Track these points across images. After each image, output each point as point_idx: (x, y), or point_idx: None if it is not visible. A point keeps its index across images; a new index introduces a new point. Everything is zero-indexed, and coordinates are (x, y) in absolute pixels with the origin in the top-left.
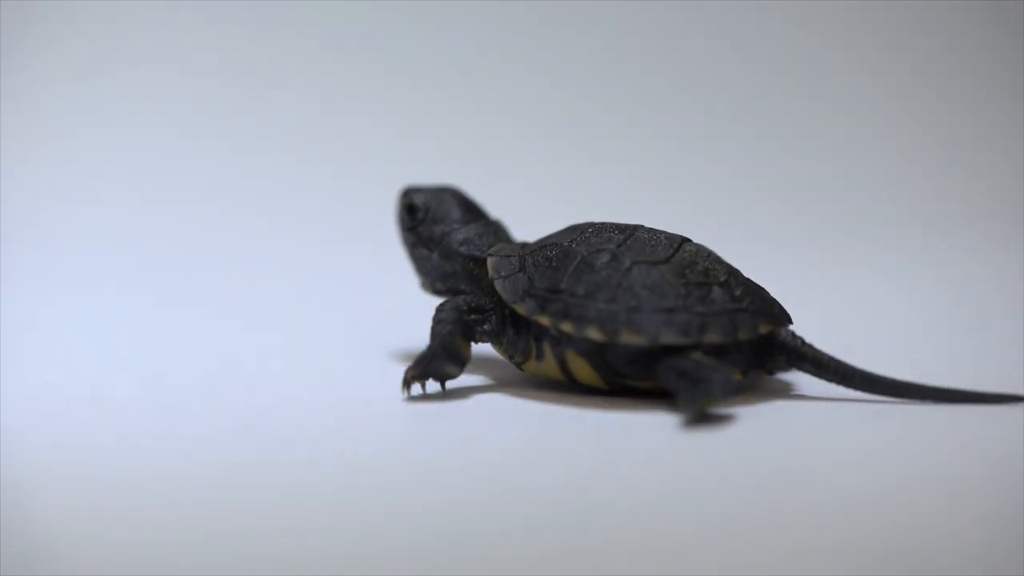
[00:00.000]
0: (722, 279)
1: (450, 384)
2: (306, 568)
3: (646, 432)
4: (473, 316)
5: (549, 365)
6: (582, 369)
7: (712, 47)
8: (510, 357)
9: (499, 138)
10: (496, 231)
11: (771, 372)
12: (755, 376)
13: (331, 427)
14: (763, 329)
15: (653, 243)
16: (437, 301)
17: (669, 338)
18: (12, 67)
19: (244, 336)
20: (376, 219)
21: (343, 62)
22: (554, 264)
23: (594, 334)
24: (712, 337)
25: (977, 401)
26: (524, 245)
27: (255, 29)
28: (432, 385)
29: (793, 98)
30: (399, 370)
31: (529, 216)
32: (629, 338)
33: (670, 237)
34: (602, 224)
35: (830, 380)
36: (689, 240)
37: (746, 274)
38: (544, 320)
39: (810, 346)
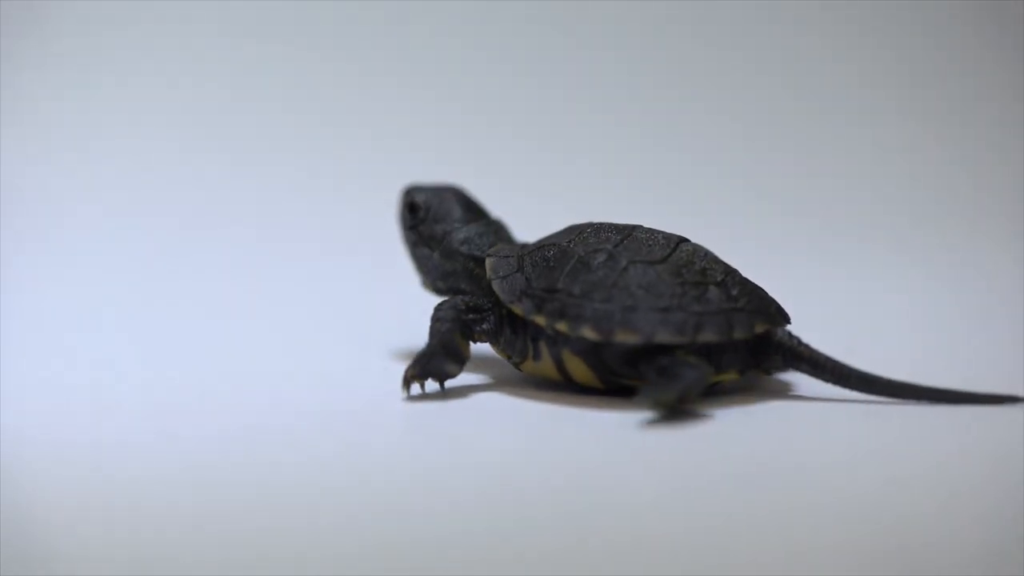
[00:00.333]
0: (719, 279)
1: (449, 384)
2: (306, 567)
3: (644, 432)
4: (471, 316)
5: (546, 365)
6: (578, 369)
7: (713, 48)
8: (508, 357)
9: (501, 138)
10: (497, 231)
11: (768, 372)
12: (752, 376)
13: (331, 427)
14: (759, 329)
15: (650, 243)
16: (437, 300)
17: (664, 337)
18: (12, 66)
19: (244, 335)
20: (377, 218)
21: (345, 60)
22: (551, 264)
23: (589, 333)
24: (707, 336)
25: (973, 402)
26: (524, 245)
27: (259, 26)
28: (431, 385)
29: (794, 99)
30: (399, 369)
31: (531, 216)
32: (624, 337)
33: (668, 237)
34: (601, 224)
35: (827, 380)
36: (687, 240)
37: (745, 274)
38: (540, 320)
39: (807, 346)
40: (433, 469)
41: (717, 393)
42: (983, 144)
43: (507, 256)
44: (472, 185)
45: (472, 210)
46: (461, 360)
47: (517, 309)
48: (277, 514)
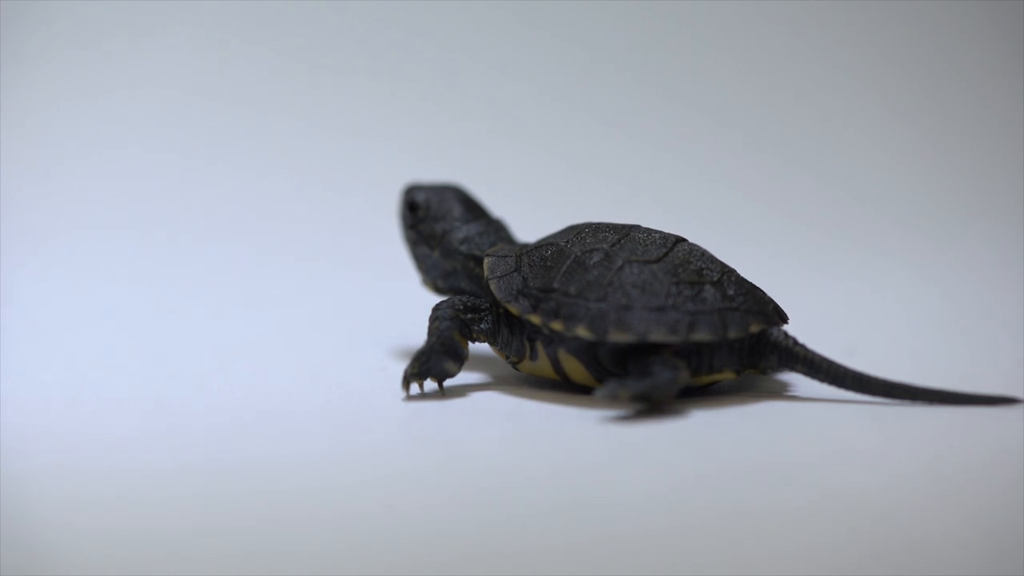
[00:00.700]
0: (715, 278)
1: (447, 383)
2: (305, 565)
3: (641, 431)
4: (470, 315)
5: (543, 364)
6: (575, 368)
7: (713, 49)
8: (505, 357)
9: (503, 137)
10: (498, 230)
11: (764, 372)
12: (749, 376)
13: (330, 426)
14: (754, 328)
15: (647, 243)
16: (436, 299)
17: (658, 336)
18: (12, 65)
19: (243, 334)
20: (377, 217)
21: (347, 58)
22: (548, 264)
23: (584, 333)
24: (701, 335)
25: (969, 402)
26: (524, 245)
27: (263, 25)
28: (429, 384)
29: (794, 101)
30: (397, 368)
31: (534, 215)
32: (618, 336)
33: (665, 237)
34: (599, 224)
35: (822, 381)
36: (684, 240)
37: (745, 275)
38: (535, 319)
39: (803, 346)
40: (432, 468)
41: (714, 392)
42: (981, 145)
43: (505, 256)
44: (473, 184)
45: (472, 209)
46: (460, 359)
47: (513, 308)
48: (277, 513)
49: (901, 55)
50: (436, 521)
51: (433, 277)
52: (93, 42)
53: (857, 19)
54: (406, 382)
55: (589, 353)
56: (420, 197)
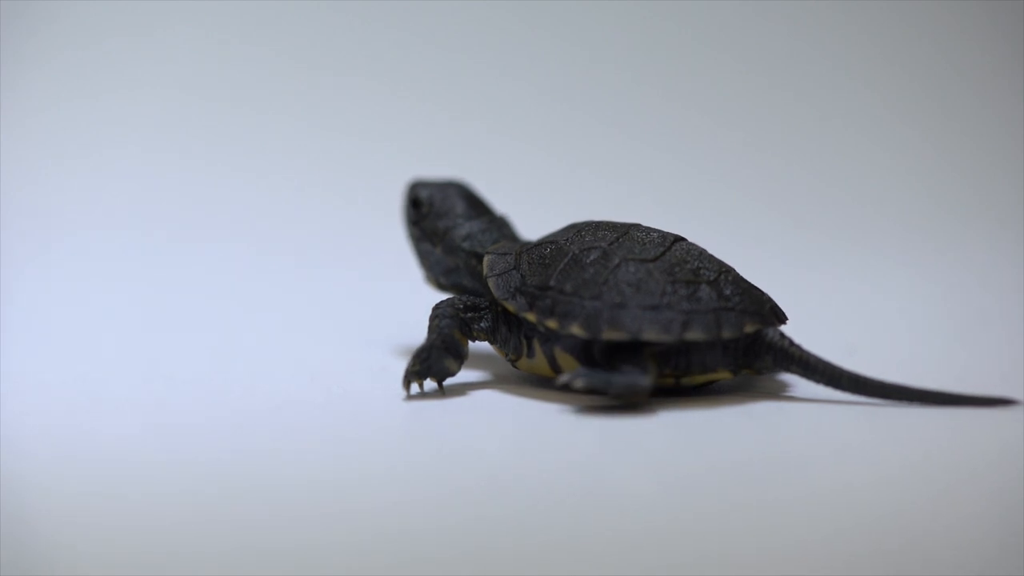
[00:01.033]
0: (711, 278)
1: (447, 382)
2: (305, 562)
3: (639, 429)
4: (470, 314)
5: (540, 362)
6: (571, 366)
7: (713, 49)
8: (505, 355)
9: (508, 134)
10: (500, 227)
11: (759, 372)
12: (746, 375)
13: (330, 424)
14: (749, 328)
15: (645, 241)
16: (437, 295)
17: (651, 335)
18: (12, 65)
19: (242, 333)
20: (379, 215)
21: (348, 57)
22: (546, 261)
23: (577, 331)
24: (694, 335)
25: (964, 403)
26: (524, 243)
27: (263, 25)
28: (429, 384)
29: (795, 102)
30: (398, 367)
31: (537, 213)
32: (611, 335)
33: (663, 236)
34: (599, 222)
35: (818, 381)
36: (683, 239)
37: (747, 274)
38: (531, 317)
39: (798, 347)
40: (432, 466)
41: (711, 392)
42: (981, 145)
43: (505, 253)
44: (478, 182)
45: (475, 206)
46: (460, 358)
47: (510, 306)
48: (277, 511)
49: (901, 55)
50: (437, 519)
51: (436, 274)
52: (93, 42)
53: (857, 19)
54: (407, 381)
55: (584, 351)
56: (423, 193)
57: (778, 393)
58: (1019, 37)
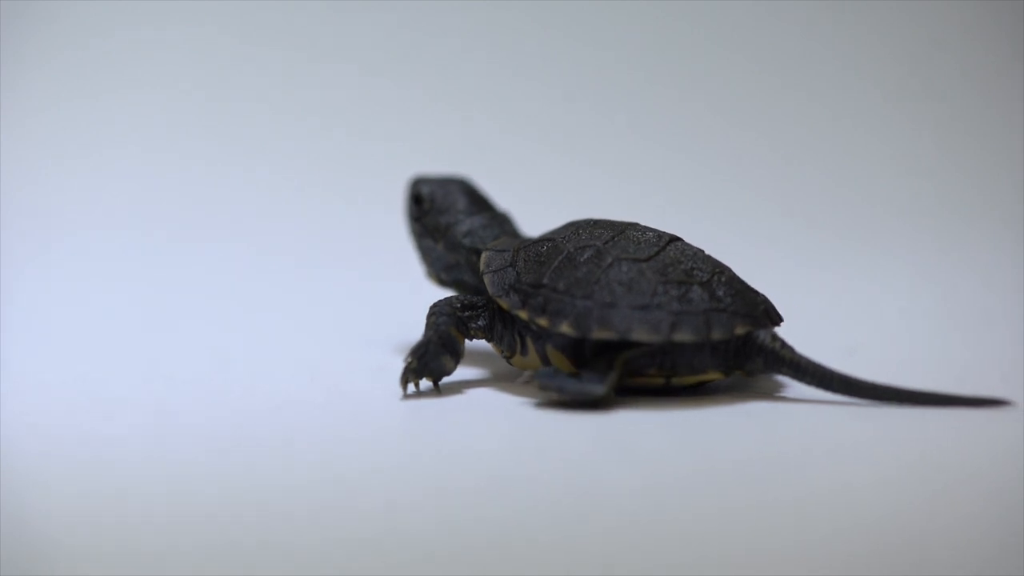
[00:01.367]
0: (704, 279)
1: (444, 380)
2: (305, 562)
3: (636, 428)
4: (467, 313)
5: (533, 360)
6: (562, 364)
7: (713, 49)
8: (501, 352)
9: (511, 130)
10: (502, 223)
11: (750, 374)
12: (737, 377)
13: (328, 424)
14: (739, 330)
15: (640, 241)
16: (437, 296)
17: (639, 335)
18: (12, 65)
19: (242, 333)
20: (379, 213)
21: (349, 55)
22: (542, 259)
23: (568, 329)
24: (683, 336)
25: (956, 404)
26: (523, 240)
27: (263, 25)
28: (425, 383)
29: (793, 100)
30: (396, 367)
31: (540, 210)
32: (600, 334)
33: (660, 235)
34: (598, 221)
35: (809, 384)
36: (678, 239)
37: (748, 274)
38: (523, 314)
39: (790, 349)
40: (430, 465)
41: (707, 392)
42: (983, 145)
43: (503, 251)
44: (480, 178)
45: (477, 202)
46: (457, 356)
47: (503, 303)
48: (277, 510)
49: (905, 55)
50: (435, 518)
51: (437, 270)
52: (93, 42)
53: (863, 20)
54: (404, 377)
55: (576, 350)
56: (425, 190)
57: (775, 393)
58: (1020, 37)
